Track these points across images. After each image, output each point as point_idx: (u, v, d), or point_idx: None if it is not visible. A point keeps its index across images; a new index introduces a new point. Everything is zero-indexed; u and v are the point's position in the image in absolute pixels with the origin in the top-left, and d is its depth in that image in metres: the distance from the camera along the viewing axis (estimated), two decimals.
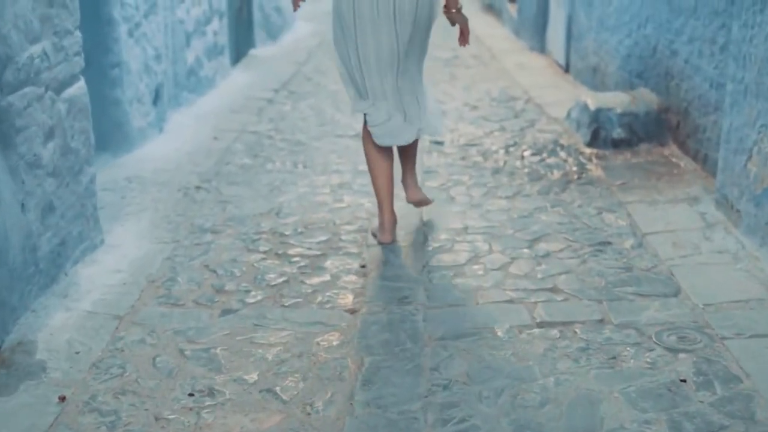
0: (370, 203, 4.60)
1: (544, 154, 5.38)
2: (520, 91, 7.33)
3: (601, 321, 3.24)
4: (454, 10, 4.11)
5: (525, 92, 7.25)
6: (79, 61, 3.72)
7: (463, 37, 4.19)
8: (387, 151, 4.07)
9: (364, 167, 5.15)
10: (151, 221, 4.33)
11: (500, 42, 9.88)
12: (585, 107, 5.61)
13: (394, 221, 4.07)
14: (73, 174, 3.62)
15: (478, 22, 11.60)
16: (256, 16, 9.17)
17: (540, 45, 8.88)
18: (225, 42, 7.74)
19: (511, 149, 5.53)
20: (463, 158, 5.39)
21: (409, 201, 4.29)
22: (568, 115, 5.99)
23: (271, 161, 5.41)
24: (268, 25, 9.56)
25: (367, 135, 4.06)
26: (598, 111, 5.45)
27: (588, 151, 5.37)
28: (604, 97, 5.65)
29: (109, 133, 5.26)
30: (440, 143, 5.71)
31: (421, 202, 4.28)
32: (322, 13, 13.53)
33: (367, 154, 4.09)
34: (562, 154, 5.36)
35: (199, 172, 5.16)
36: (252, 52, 9.00)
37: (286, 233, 4.20)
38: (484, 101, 7.01)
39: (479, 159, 5.36)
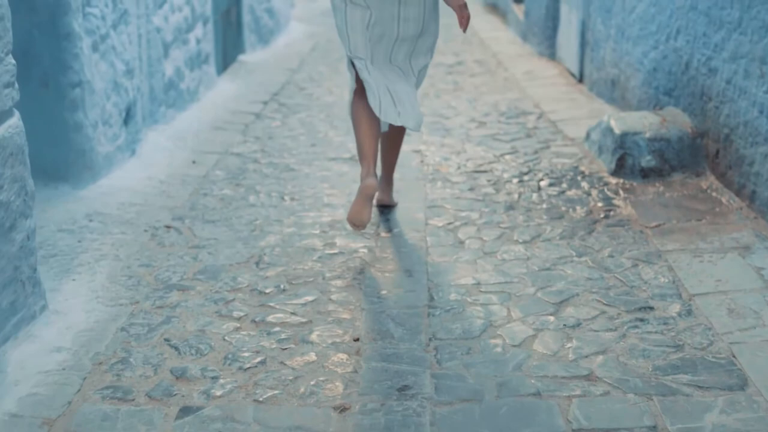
0: (365, 248, 3.92)
1: (564, 185, 4.68)
2: (531, 104, 6.63)
3: (654, 428, 2.55)
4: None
5: (536, 106, 6.55)
6: (12, 94, 3.02)
7: (462, 21, 3.83)
8: (371, 111, 3.82)
9: None
10: (109, 274, 3.64)
11: (506, 46, 9.18)
12: (608, 129, 4.92)
13: (374, 187, 3.72)
14: (3, 232, 2.93)
15: (481, 23, 10.90)
16: (246, 18, 8.47)
17: (550, 51, 8.18)
18: (210, 49, 7.04)
19: (526, 178, 4.84)
20: (471, 189, 4.70)
21: (376, 203, 4.31)
22: (588, 136, 5.29)
23: (254, 192, 4.71)
24: (259, 29, 8.86)
25: (356, 98, 3.90)
26: (625, 135, 4.75)
27: (613, 181, 4.67)
28: (629, 118, 4.95)
29: (70, 161, 4.57)
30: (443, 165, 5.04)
31: (384, 204, 4.36)
32: (318, 13, 12.80)
33: (353, 117, 3.92)
34: (584, 184, 4.67)
35: (172, 206, 4.47)
36: (241, 58, 8.30)
37: (267, 291, 3.50)
38: (492, 116, 6.32)
39: (490, 190, 4.66)
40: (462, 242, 3.99)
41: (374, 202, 4.16)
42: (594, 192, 4.54)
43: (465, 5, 3.79)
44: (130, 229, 4.13)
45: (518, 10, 9.79)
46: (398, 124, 3.83)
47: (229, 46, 7.97)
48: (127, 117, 5.14)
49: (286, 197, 4.62)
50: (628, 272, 3.58)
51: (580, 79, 7.11)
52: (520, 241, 3.96)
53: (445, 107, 6.66)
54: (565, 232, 4.03)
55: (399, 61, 3.93)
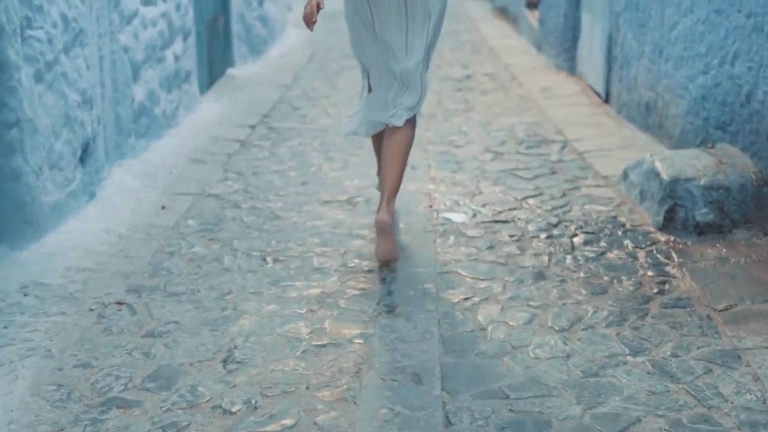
0: (361, 337, 3.07)
1: (603, 243, 3.83)
2: (552, 129, 5.77)
3: None
4: None
5: (559, 131, 5.69)
6: None
7: None
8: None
9: (355, 263, 3.65)
10: (34, 381, 2.80)
11: (519, 57, 8.31)
12: (653, 173, 4.06)
13: (387, 225, 3.56)
14: None
15: (490, 28, 10.04)
16: (235, 28, 7.61)
17: (568, 64, 7.32)
18: (192, 66, 6.18)
19: (555, 232, 3.99)
20: (491, 247, 3.85)
21: (376, 220, 3.64)
22: (625, 176, 4.44)
23: (230, 249, 3.87)
24: (251, 38, 8.00)
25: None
26: (675, 182, 3.90)
27: (662, 238, 3.82)
28: (678, 159, 4.09)
29: (6, 216, 3.72)
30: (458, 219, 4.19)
31: (385, 227, 3.57)
32: (318, 15, 11.95)
33: (373, 141, 3.92)
34: (628, 243, 3.82)
35: (129, 272, 3.63)
36: (230, 72, 7.44)
37: (234, 409, 2.66)
38: (510, 145, 5.46)
39: (514, 249, 3.81)
40: (483, 329, 3.14)
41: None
42: (641, 254, 3.69)
43: None
44: (72, 308, 3.29)
45: (532, 17, 8.92)
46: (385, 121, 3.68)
47: (215, 60, 7.12)
48: (84, 155, 4.30)
49: (269, 258, 3.77)
50: (701, 383, 2.73)
51: (606, 99, 6.26)
52: (557, 328, 3.11)
53: (455, 132, 5.80)
54: (612, 316, 3.18)
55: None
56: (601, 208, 4.25)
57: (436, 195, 4.58)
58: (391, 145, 3.69)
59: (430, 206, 4.41)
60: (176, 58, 5.82)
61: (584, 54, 6.92)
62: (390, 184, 3.66)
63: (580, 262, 3.64)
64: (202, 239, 3.99)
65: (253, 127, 5.98)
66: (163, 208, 4.37)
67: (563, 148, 5.35)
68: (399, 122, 3.65)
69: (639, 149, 5.04)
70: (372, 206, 4.41)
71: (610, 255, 3.70)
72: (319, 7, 3.49)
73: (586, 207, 4.28)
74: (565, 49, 7.39)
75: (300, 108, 6.58)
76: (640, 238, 3.85)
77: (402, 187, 3.87)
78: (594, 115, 6.04)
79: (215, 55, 7.12)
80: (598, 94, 6.43)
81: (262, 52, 8.30)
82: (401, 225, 4.12)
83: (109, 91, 4.73)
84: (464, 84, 7.30)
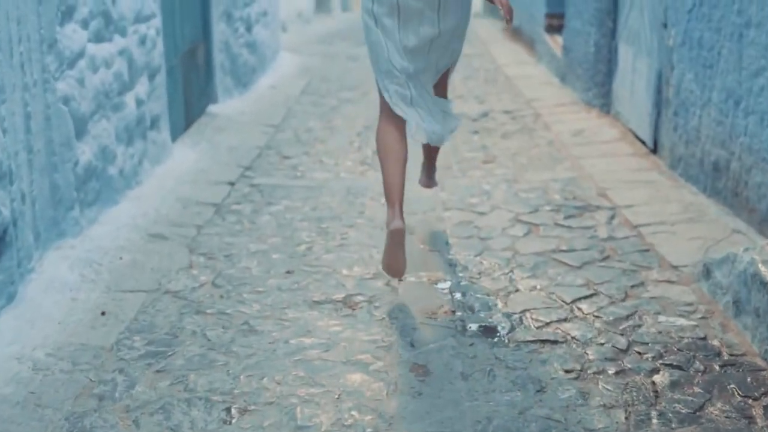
0: None
1: (697, 388, 2.72)
2: (593, 189, 4.68)
3: None
4: None
5: (602, 193, 4.59)
6: None
7: (506, 12, 3.19)
8: (400, 143, 3.41)
9: (353, 418, 2.56)
10: None
11: (541, 89, 7.22)
12: (755, 279, 2.96)
13: (402, 235, 3.30)
14: None
15: (504, 53, 8.95)
16: (218, 58, 6.52)
17: (601, 101, 6.22)
18: (161, 109, 5.09)
19: (627, 364, 2.87)
20: (540, 391, 2.74)
21: (420, 183, 4.12)
22: (707, 273, 3.34)
23: (183, 390, 2.76)
24: (236, 69, 6.90)
25: (382, 121, 3.45)
26: None
27: None
28: None
29: None
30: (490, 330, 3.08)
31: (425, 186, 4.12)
32: (314, 38, 10.84)
33: (378, 144, 3.45)
34: (733, 388, 2.70)
35: (39, 426, 2.53)
36: (211, 109, 6.35)
37: None
38: (544, 212, 4.36)
39: (573, 395, 2.69)
40: None
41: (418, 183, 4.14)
42: (756, 410, 2.58)
43: None
44: None
45: (553, 43, 7.82)
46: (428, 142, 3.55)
47: (193, 97, 6.02)
48: (1, 246, 3.20)
49: (234, 409, 2.66)
50: None
51: (654, 149, 5.16)
52: None
53: (475, 192, 4.70)
54: None
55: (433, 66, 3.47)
56: (682, 321, 3.14)
57: (459, 292, 3.47)
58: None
59: (453, 311, 3.31)
60: (139, 102, 4.72)
61: (622, 91, 5.82)
62: (434, 156, 4.03)
63: (673, 426, 2.53)
64: (147, 371, 2.88)
65: (232, 184, 4.88)
66: (103, 314, 3.27)
67: (612, 218, 4.24)
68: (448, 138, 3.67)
69: (712, 225, 3.95)
70: (376, 308, 3.32)
71: (712, 410, 2.59)
72: None
73: (661, 320, 3.16)
74: (596, 84, 6.30)
75: (290, 156, 5.48)
76: (748, 379, 2.74)
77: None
78: (641, 169, 4.94)
79: (193, 91, 6.03)
80: (643, 142, 5.33)
81: (249, 83, 7.20)
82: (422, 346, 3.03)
83: (42, 156, 3.63)
84: (481, 124, 6.20)
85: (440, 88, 3.64)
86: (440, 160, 5.03)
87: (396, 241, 3.28)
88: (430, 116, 3.46)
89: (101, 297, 3.41)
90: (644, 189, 4.59)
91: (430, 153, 3.97)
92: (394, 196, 3.33)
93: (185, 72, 5.85)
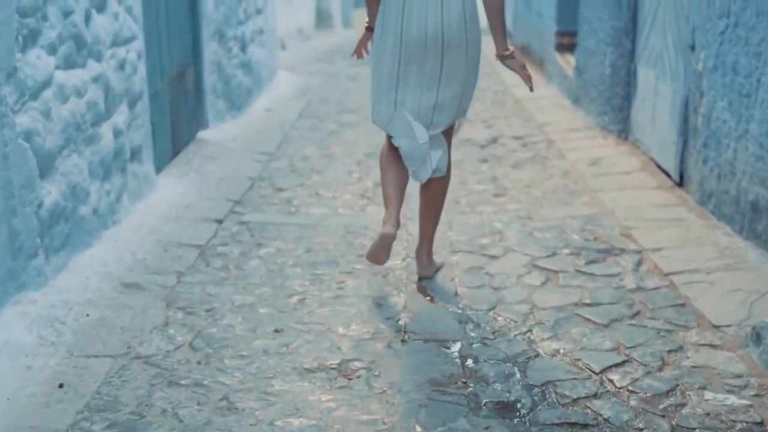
0: None
1: None
2: (616, 228, 4.22)
3: None
4: (506, 53, 3.41)
5: (626, 233, 4.14)
6: None
7: (526, 81, 3.44)
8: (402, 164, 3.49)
9: None
10: None
11: (553, 113, 6.77)
12: None
13: (393, 236, 3.35)
14: None
15: (513, 74, 8.46)
16: (210, 80, 6.07)
17: (619, 127, 5.77)
18: (144, 138, 4.64)
19: None
20: None
21: (419, 275, 3.65)
22: (758, 339, 2.88)
23: None
24: (230, 92, 6.46)
25: (386, 148, 3.53)
26: None
27: None
28: None
29: None
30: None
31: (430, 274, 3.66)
32: (314, 57, 10.40)
33: (381, 163, 3.55)
34: None
35: None
36: (201, 135, 5.90)
37: None
38: (563, 256, 3.90)
39: None
40: None
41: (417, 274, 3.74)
42: None
43: (525, 65, 3.47)
44: None
45: (565, 63, 7.38)
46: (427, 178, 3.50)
47: (181, 123, 5.58)
48: None
49: None
50: None
51: (680, 182, 4.70)
52: None
53: (486, 231, 4.24)
54: None
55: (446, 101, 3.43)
56: (732, 399, 2.68)
57: (471, 357, 3.01)
58: (430, 194, 3.59)
59: (465, 382, 2.85)
60: (118, 133, 4.28)
61: (643, 117, 5.36)
62: (427, 233, 3.64)
63: None
64: None
65: (219, 221, 4.42)
66: (60, 386, 2.81)
67: (639, 263, 3.78)
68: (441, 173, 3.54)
69: (753, 274, 3.50)
70: (376, 377, 2.87)
71: None
72: (367, 40, 3.60)
73: (708, 397, 2.70)
74: (613, 108, 5.85)
75: (284, 188, 5.02)
76: None
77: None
78: (668, 205, 4.48)
79: (181, 117, 5.58)
80: (667, 174, 4.87)
81: (244, 106, 6.76)
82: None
83: None
84: (490, 152, 5.75)
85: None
86: (447, 194, 4.61)
87: (384, 243, 3.36)
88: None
89: (61, 364, 2.95)
90: (673, 229, 4.13)
91: (426, 217, 3.65)
92: (391, 198, 3.42)
93: (173, 96, 5.40)
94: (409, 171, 3.52)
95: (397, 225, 3.38)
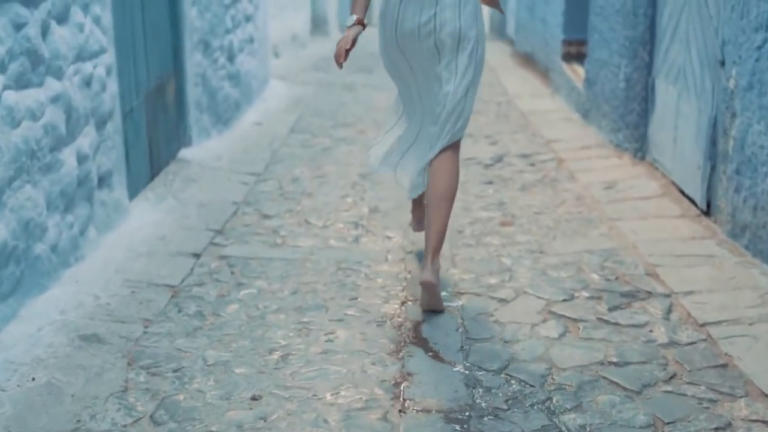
0: None
1: None
2: (639, 264, 3.74)
3: None
4: None
5: (652, 272, 3.66)
6: None
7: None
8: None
9: None
10: None
11: (561, 128, 6.29)
12: None
13: (434, 284, 3.24)
14: None
15: (516, 82, 8.03)
16: (193, 94, 5.59)
17: (634, 145, 5.29)
18: (115, 162, 4.16)
19: None
20: None
21: (420, 282, 3.29)
22: None
23: None
24: (216, 106, 5.98)
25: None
26: None
27: None
28: None
29: None
30: None
31: (430, 288, 3.27)
32: (309, 65, 9.89)
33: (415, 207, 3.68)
34: None
35: None
36: (183, 154, 5.42)
37: None
38: (583, 300, 3.42)
39: None
40: None
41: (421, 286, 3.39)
42: None
43: None
44: None
45: (572, 73, 6.90)
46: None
47: (160, 142, 5.09)
48: None
49: None
50: None
51: (707, 211, 4.22)
52: None
53: (493, 268, 3.76)
54: None
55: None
56: None
57: None
58: (437, 195, 3.35)
59: None
60: (83, 158, 3.79)
61: (662, 137, 4.89)
62: (435, 241, 3.33)
63: None
64: None
65: (197, 256, 3.94)
66: None
67: (669, 310, 3.30)
68: (444, 144, 3.36)
69: None
70: None
71: None
72: (347, 51, 3.27)
73: None
74: (628, 125, 5.37)
75: (270, 215, 4.53)
76: None
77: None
78: (695, 238, 4.00)
79: (160, 135, 5.10)
80: (691, 200, 4.39)
81: (231, 120, 6.28)
82: None
83: None
84: (495, 172, 5.27)
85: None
86: (450, 221, 4.16)
87: (431, 291, 3.27)
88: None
89: None
90: (704, 267, 3.65)
91: (433, 226, 3.39)
92: (428, 245, 3.30)
93: (151, 113, 4.92)
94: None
95: (437, 267, 3.30)
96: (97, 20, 3.99)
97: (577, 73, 6.83)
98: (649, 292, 3.46)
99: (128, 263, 3.78)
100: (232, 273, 3.77)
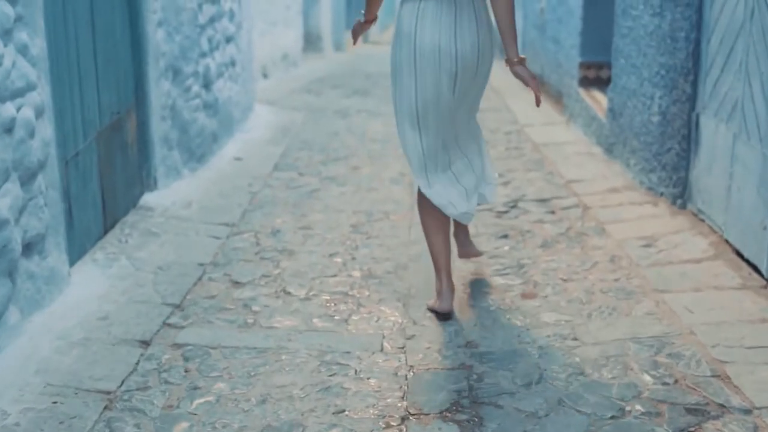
0: None
1: None
2: (702, 361, 2.91)
3: None
4: (516, 60, 3.11)
5: (720, 372, 2.82)
6: None
7: (535, 95, 3.11)
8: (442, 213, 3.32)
9: None
10: None
11: (581, 163, 5.47)
12: None
13: (453, 289, 3.30)
14: None
15: (525, 108, 7.23)
16: (160, 129, 4.76)
17: (672, 190, 4.46)
18: (49, 223, 3.33)
19: None
20: None
21: (460, 257, 3.66)
22: None
23: None
24: (188, 140, 5.15)
25: (421, 197, 3.31)
26: None
27: None
28: None
29: None
30: None
31: (471, 256, 3.69)
32: (300, 85, 9.07)
33: (422, 218, 3.36)
34: None
35: None
36: (146, 200, 4.59)
37: None
38: (635, 416, 2.59)
39: None
40: None
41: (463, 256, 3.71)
42: None
43: (535, 76, 3.14)
44: None
45: (591, 100, 6.08)
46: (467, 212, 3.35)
47: (116, 188, 4.26)
48: None
49: None
50: None
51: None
52: None
53: (517, 365, 2.92)
54: None
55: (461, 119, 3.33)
56: None
57: None
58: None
59: None
60: (2, 223, 2.96)
61: (711, 183, 4.06)
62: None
63: None
64: None
65: (145, 344, 3.10)
66: None
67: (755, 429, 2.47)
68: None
69: None
70: None
71: None
72: (362, 30, 3.48)
73: None
74: (664, 166, 4.54)
75: (242, 283, 3.70)
76: None
77: None
78: (765, 320, 3.16)
79: (118, 180, 4.27)
80: (753, 266, 3.56)
81: (207, 155, 5.45)
82: None
83: None
84: (511, 222, 4.44)
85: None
86: (459, 288, 3.37)
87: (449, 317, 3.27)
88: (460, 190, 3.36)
89: None
90: None
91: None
92: (440, 264, 3.29)
93: (105, 156, 4.09)
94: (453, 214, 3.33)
95: (452, 296, 3.28)
96: (23, 50, 3.16)
97: (596, 100, 6.01)
98: (723, 406, 2.63)
99: (55, 358, 2.94)
100: (186, 371, 2.93)
